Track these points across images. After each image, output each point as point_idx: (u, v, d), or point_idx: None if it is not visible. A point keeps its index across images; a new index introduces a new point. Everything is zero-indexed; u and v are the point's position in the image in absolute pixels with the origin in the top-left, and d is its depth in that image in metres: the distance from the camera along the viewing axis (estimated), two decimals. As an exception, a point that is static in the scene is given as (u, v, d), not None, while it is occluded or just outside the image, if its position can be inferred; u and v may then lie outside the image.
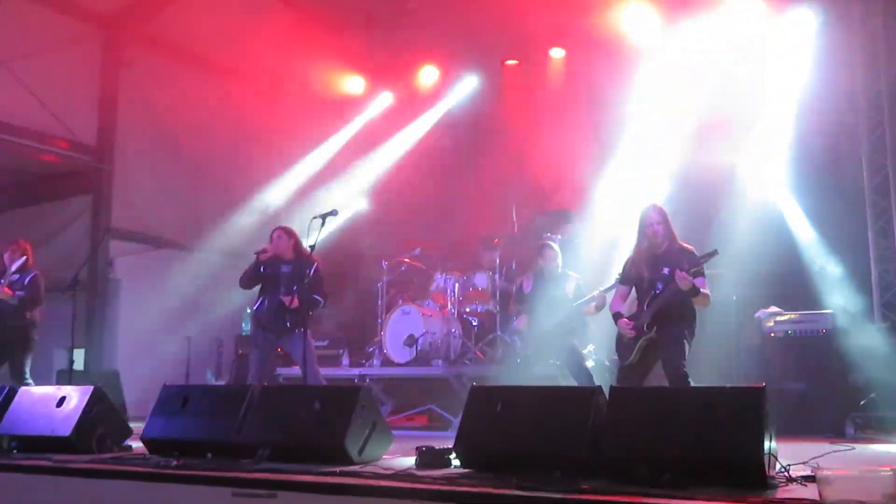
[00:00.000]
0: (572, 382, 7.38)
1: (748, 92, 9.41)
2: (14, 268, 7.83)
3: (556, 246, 7.81)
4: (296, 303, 7.27)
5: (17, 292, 7.72)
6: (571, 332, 7.53)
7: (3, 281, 7.76)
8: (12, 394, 5.96)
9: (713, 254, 5.97)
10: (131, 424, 6.03)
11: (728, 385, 4.41)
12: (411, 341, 9.09)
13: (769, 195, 9.38)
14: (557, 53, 11.20)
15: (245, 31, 11.52)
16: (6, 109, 10.50)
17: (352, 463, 4.58)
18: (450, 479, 3.94)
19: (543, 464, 3.96)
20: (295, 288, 7.30)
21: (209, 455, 4.93)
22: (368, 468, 4.38)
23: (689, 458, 3.76)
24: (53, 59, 10.90)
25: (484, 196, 10.80)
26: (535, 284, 7.78)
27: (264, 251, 7.43)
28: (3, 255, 7.98)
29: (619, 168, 9.95)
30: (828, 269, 8.77)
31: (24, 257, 7.95)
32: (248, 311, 9.84)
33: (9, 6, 10.37)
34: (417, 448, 4.63)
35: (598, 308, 7.41)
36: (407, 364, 9.20)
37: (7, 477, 4.88)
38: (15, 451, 5.44)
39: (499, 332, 9.25)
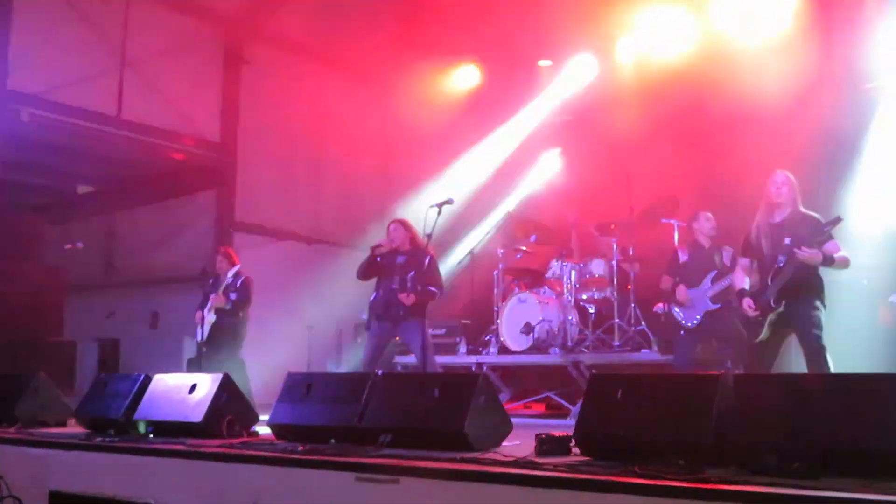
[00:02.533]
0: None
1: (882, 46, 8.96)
2: (230, 274, 8.81)
3: (710, 216, 7.52)
4: (412, 299, 7.39)
5: (231, 294, 8.61)
6: (731, 307, 7.23)
7: (218, 290, 8.71)
8: (147, 381, 6.23)
9: (837, 221, 5.66)
10: (257, 411, 6.22)
11: (862, 372, 4.21)
12: (528, 329, 9.06)
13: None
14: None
15: (363, 27, 11.67)
16: (136, 109, 10.97)
17: (472, 450, 4.59)
18: (571, 467, 3.91)
19: (666, 452, 3.88)
20: (410, 276, 7.42)
21: (333, 440, 5.03)
22: (489, 455, 4.38)
23: (823, 447, 3.60)
24: (178, 59, 11.33)
25: (599, 180, 10.63)
26: (691, 253, 7.55)
27: (379, 246, 7.62)
28: (216, 265, 8.96)
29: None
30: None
31: (235, 264, 8.90)
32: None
33: (136, 11, 10.83)
34: (537, 435, 4.59)
35: None
36: (524, 352, 9.19)
37: (145, 460, 5.12)
38: (151, 436, 5.70)
39: (616, 320, 9.13)
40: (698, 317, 7.34)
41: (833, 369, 5.59)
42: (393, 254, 7.68)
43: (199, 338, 8.66)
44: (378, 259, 7.68)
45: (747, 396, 4.03)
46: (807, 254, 5.60)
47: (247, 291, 8.73)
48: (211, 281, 8.91)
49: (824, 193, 8.36)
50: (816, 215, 5.89)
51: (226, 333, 8.67)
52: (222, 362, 8.25)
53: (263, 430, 5.84)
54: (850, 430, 3.61)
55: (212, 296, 8.69)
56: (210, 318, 8.65)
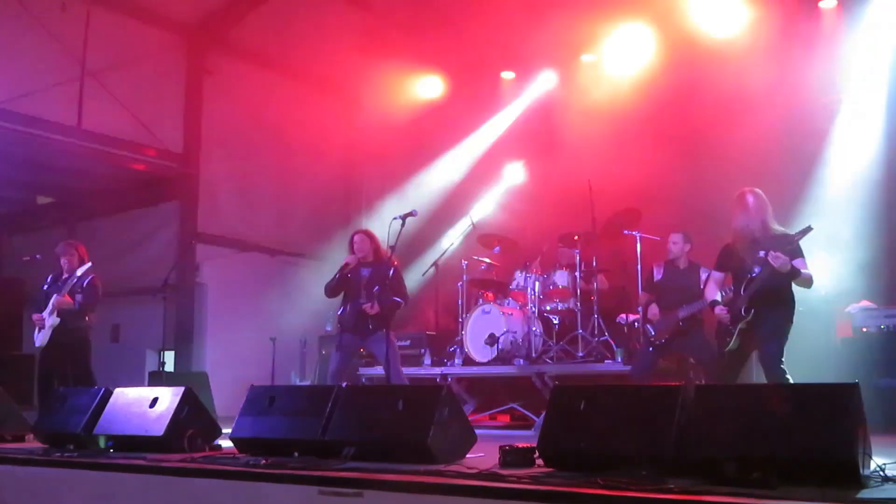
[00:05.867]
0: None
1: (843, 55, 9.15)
2: (78, 272, 7.96)
3: (681, 235, 7.64)
4: (376, 309, 7.42)
5: (77, 294, 7.94)
6: (703, 325, 7.39)
7: (63, 288, 7.91)
8: (108, 395, 6.15)
9: (807, 230, 5.84)
10: (220, 424, 6.17)
11: (819, 382, 4.29)
12: (492, 340, 9.09)
13: (857, 181, 9.07)
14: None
15: (327, 38, 11.65)
16: (97, 119, 10.85)
17: (436, 462, 4.59)
18: (534, 479, 3.93)
19: (629, 463, 3.92)
20: (376, 289, 7.43)
21: (296, 454, 5.01)
22: (452, 467, 4.39)
23: (780, 456, 3.67)
24: (140, 70, 11.24)
25: (563, 193, 10.68)
26: (666, 272, 7.68)
27: (347, 265, 7.62)
28: (61, 260, 8.14)
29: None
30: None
31: (83, 261, 8.09)
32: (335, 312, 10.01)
33: (96, 20, 10.72)
34: (501, 447, 4.62)
35: None
36: (488, 363, 9.20)
37: (105, 475, 5.05)
38: (111, 451, 5.63)
39: (580, 331, 9.17)
40: (667, 336, 7.44)
41: (791, 380, 5.72)
42: (358, 266, 7.70)
43: (37, 343, 7.96)
44: (348, 275, 7.70)
45: (707, 407, 4.10)
46: (780, 260, 5.74)
47: (94, 293, 8.00)
48: (50, 278, 8.14)
49: (784, 205, 8.49)
50: (790, 231, 6.03)
51: (71, 340, 7.93)
52: (78, 378, 7.86)
53: (226, 443, 5.79)
54: (806, 439, 3.68)
55: (55, 296, 7.87)
56: (52, 321, 7.85)
